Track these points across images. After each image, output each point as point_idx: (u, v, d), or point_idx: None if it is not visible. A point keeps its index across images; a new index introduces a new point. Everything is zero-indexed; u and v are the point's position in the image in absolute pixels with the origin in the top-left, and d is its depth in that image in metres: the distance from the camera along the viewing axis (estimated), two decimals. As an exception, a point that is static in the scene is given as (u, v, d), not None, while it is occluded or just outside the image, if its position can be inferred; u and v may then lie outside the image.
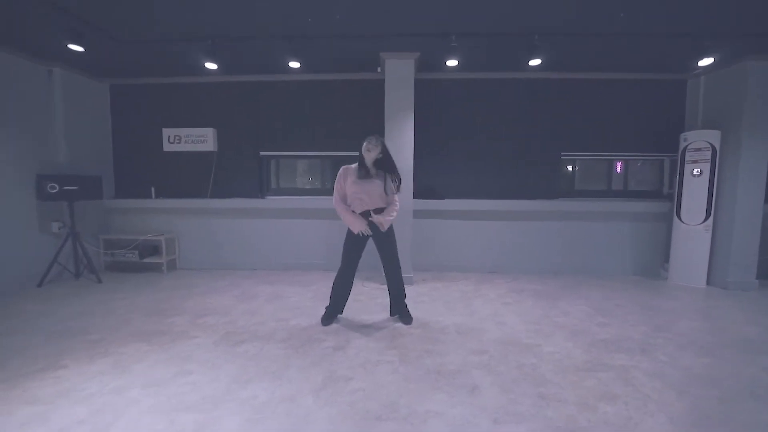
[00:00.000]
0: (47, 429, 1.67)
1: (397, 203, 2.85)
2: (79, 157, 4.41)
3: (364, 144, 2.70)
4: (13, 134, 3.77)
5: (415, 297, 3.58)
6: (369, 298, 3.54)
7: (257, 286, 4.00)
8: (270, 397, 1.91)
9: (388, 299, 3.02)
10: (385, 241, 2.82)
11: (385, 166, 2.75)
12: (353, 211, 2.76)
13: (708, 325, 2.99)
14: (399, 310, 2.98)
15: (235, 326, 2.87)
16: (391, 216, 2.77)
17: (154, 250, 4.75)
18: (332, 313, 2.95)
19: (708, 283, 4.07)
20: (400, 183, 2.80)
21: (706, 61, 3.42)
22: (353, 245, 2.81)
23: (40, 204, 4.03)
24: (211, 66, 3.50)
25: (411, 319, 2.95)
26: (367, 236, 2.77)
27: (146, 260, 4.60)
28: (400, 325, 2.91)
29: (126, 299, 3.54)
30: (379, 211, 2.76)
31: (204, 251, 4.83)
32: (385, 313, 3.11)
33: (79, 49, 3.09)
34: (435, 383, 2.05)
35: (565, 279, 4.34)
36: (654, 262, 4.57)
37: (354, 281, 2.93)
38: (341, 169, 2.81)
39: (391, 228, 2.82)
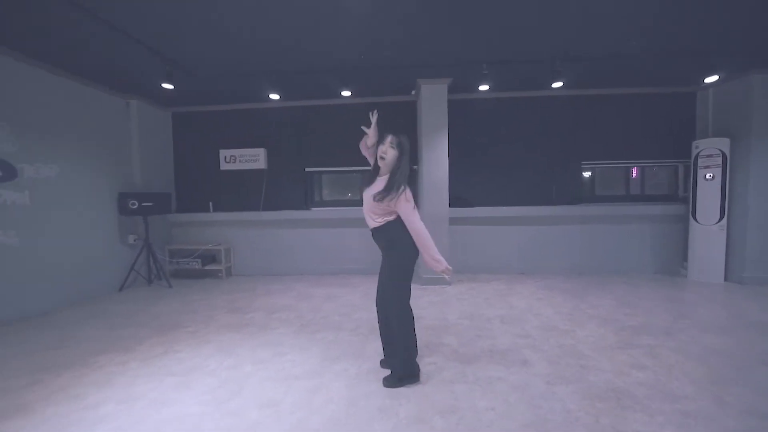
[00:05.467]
0: (195, 392, 2.14)
1: (415, 222, 2.06)
2: (149, 176, 5.02)
3: (385, 144, 2.12)
4: (98, 157, 4.37)
5: (456, 295, 4.01)
6: (416, 297, 3.96)
7: (310, 289, 4.47)
8: (359, 370, 2.36)
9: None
10: (384, 270, 2.22)
11: (395, 174, 2.10)
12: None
13: (726, 312, 3.33)
14: (390, 359, 2.27)
15: (305, 320, 3.34)
16: (429, 252, 2.07)
17: (212, 258, 5.29)
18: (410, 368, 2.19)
19: (726, 279, 4.39)
20: (399, 188, 2.05)
21: (711, 78, 3.83)
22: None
23: (120, 218, 4.62)
24: (274, 96, 4.05)
25: (397, 381, 2.14)
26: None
27: (206, 267, 5.14)
28: (449, 317, 3.32)
29: (203, 300, 4.05)
30: (379, 230, 2.17)
31: (256, 259, 5.35)
32: (437, 309, 3.54)
33: (170, 87, 3.68)
34: (491, 358, 2.47)
35: (589, 278, 4.70)
36: (673, 261, 4.90)
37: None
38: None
39: (395, 257, 2.16)
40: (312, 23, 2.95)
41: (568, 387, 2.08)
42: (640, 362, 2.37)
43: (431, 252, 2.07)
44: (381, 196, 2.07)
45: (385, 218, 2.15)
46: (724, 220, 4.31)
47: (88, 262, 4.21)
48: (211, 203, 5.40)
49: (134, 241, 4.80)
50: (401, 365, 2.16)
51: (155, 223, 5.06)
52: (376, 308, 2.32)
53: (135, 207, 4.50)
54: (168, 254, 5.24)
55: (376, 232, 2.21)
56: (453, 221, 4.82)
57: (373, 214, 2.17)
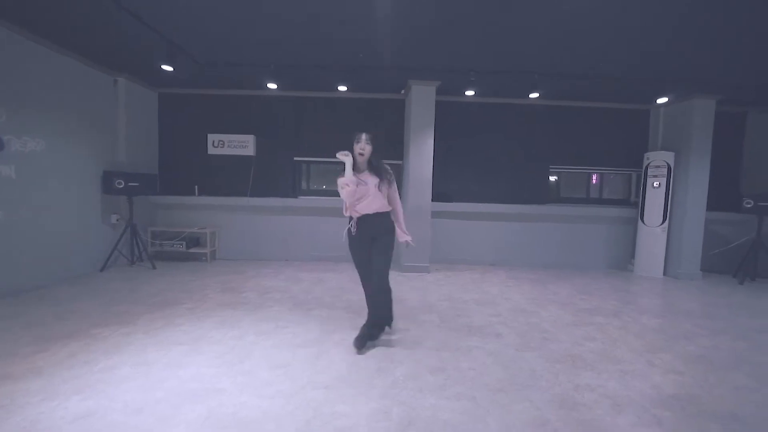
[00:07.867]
0: (205, 357, 2.34)
1: (399, 200, 2.65)
2: (134, 156, 4.97)
3: (361, 141, 2.46)
4: (84, 134, 4.29)
5: (435, 282, 4.38)
6: (399, 283, 4.29)
7: (298, 273, 4.68)
8: (355, 340, 2.64)
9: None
10: (382, 251, 2.54)
11: (376, 164, 2.54)
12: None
13: (661, 301, 3.93)
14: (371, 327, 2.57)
15: (298, 300, 3.57)
16: (403, 224, 2.68)
17: (197, 242, 5.34)
18: (383, 323, 2.68)
19: (664, 274, 5.07)
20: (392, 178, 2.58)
21: (662, 99, 4.41)
22: (359, 252, 2.59)
23: (103, 197, 4.57)
24: (272, 86, 4.18)
25: (362, 341, 2.47)
26: (369, 239, 2.54)
27: (191, 250, 5.18)
28: (430, 299, 3.67)
29: (193, 281, 4.15)
30: (380, 216, 2.52)
31: (241, 243, 5.45)
32: (419, 292, 3.88)
33: (170, 69, 3.72)
34: (469, 332, 2.84)
35: (552, 270, 5.24)
36: (623, 257, 5.55)
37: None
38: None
39: (391, 239, 2.58)
40: (316, 23, 3.14)
41: (534, 353, 2.49)
42: (592, 336, 2.83)
43: (404, 224, 2.70)
44: (383, 185, 2.52)
45: (386, 205, 2.58)
46: (666, 223, 4.98)
47: (71, 240, 4.15)
48: (196, 187, 5.42)
49: (117, 220, 4.76)
50: (374, 319, 2.57)
51: (138, 204, 5.02)
52: (364, 285, 2.63)
53: (121, 186, 4.48)
54: (150, 236, 5.22)
55: (378, 217, 2.53)
56: (434, 214, 5.17)
57: (381, 201, 2.53)
